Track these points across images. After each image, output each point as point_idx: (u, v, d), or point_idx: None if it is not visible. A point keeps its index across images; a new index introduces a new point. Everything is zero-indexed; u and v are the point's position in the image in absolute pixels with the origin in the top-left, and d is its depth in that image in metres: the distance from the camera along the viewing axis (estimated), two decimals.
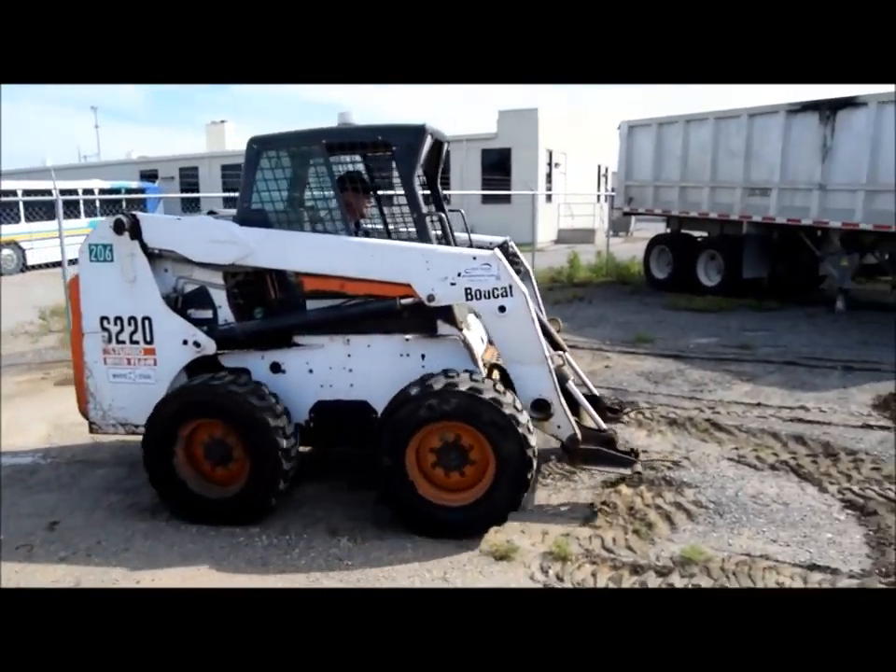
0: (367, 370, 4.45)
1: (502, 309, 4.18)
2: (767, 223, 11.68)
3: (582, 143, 27.62)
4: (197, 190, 29.35)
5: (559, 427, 4.38)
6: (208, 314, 4.60)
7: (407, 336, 4.38)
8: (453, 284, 4.18)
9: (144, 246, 4.47)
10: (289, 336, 4.51)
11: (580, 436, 4.40)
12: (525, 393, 4.29)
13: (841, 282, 11.21)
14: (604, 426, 4.65)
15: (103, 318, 4.57)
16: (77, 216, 23.56)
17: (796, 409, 6.46)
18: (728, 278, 12.47)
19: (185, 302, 4.60)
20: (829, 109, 10.40)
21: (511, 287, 4.16)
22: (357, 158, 5.19)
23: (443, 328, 4.35)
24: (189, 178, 30.25)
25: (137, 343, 4.55)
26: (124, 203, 25.00)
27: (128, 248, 4.45)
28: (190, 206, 29.36)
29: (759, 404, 6.62)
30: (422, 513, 4.17)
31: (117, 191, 25.70)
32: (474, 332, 4.67)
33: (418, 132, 4.35)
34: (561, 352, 5.01)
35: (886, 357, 8.25)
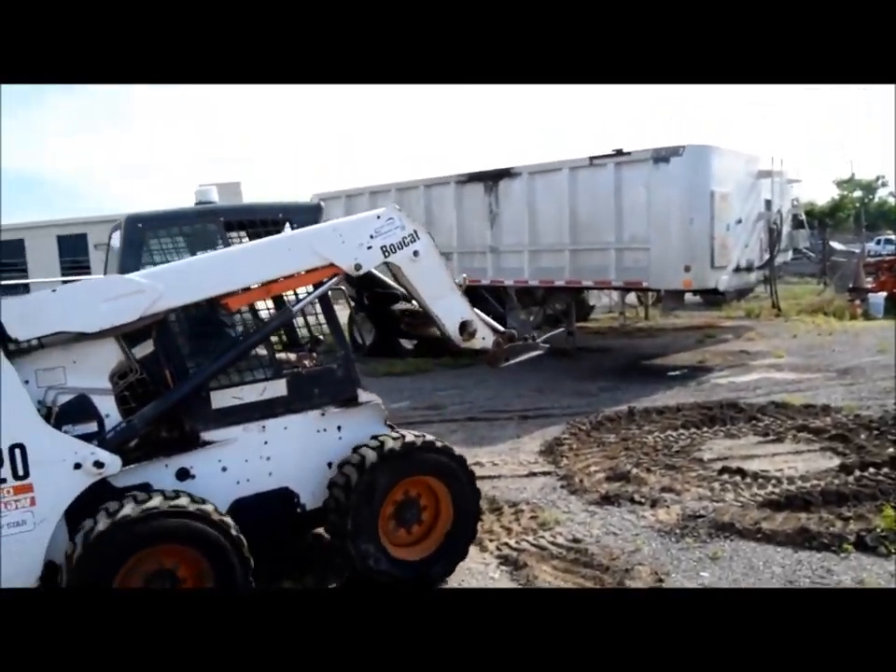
0: (285, 453, 4.26)
1: (416, 253, 4.44)
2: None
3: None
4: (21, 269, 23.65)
5: (483, 338, 4.81)
6: (91, 427, 3.72)
7: (322, 411, 4.35)
8: (370, 248, 4.33)
9: (5, 346, 3.46)
10: (196, 435, 3.99)
11: (500, 338, 4.89)
12: (450, 321, 4.64)
13: (521, 334, 12.08)
14: (500, 327, 5.00)
15: None
16: None
17: (471, 465, 6.57)
18: (423, 340, 12.90)
19: (58, 418, 3.64)
20: (490, 179, 11.32)
21: (416, 231, 4.45)
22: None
23: (363, 395, 4.48)
24: (8, 260, 24.24)
25: (4, 480, 3.39)
26: None
27: None
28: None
29: None
30: None
31: None
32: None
33: (316, 209, 4.75)
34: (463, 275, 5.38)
35: (556, 402, 8.91)
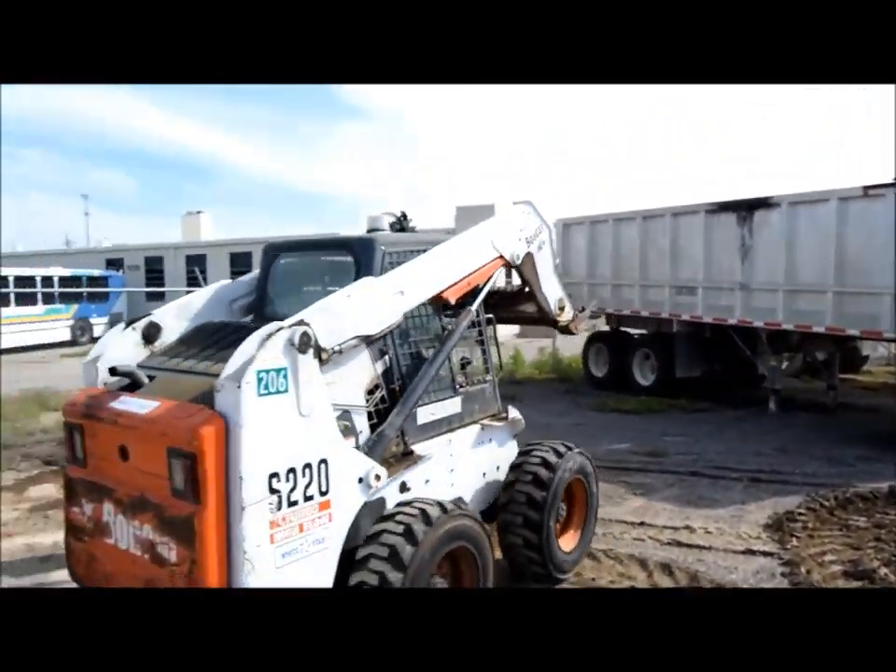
0: (462, 465, 4.57)
1: (542, 243, 5.18)
2: (696, 322, 11.41)
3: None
4: (162, 280, 29.36)
5: (571, 312, 5.75)
6: (351, 443, 3.71)
7: (481, 425, 4.76)
8: (519, 239, 4.90)
9: (319, 357, 3.38)
10: (410, 450, 4.18)
11: (577, 311, 5.83)
12: (553, 300, 5.49)
13: (772, 382, 10.86)
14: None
15: (272, 477, 3.11)
16: (34, 303, 23.49)
17: (680, 529, 5.94)
18: (662, 377, 12.09)
19: None
20: (744, 209, 10.29)
21: (543, 220, 5.19)
22: None
23: (512, 411, 5.00)
24: (154, 268, 30.26)
25: (312, 498, 3.29)
26: (85, 294, 24.99)
27: (309, 369, 3.29)
28: (154, 298, 29.34)
29: (642, 523, 6.10)
30: None
31: (78, 279, 25.67)
32: None
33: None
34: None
35: (800, 466, 7.77)
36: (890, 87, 9.51)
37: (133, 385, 3.73)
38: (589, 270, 13.69)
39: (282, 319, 3.37)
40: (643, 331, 13.32)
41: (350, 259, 4.22)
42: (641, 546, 5.61)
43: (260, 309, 4.66)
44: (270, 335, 3.14)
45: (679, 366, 11.93)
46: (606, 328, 14.52)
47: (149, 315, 4.26)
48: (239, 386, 2.97)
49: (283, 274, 4.71)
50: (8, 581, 5.03)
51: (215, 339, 3.95)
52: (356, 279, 3.93)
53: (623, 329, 13.79)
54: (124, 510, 3.35)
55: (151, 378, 3.80)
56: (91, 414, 3.56)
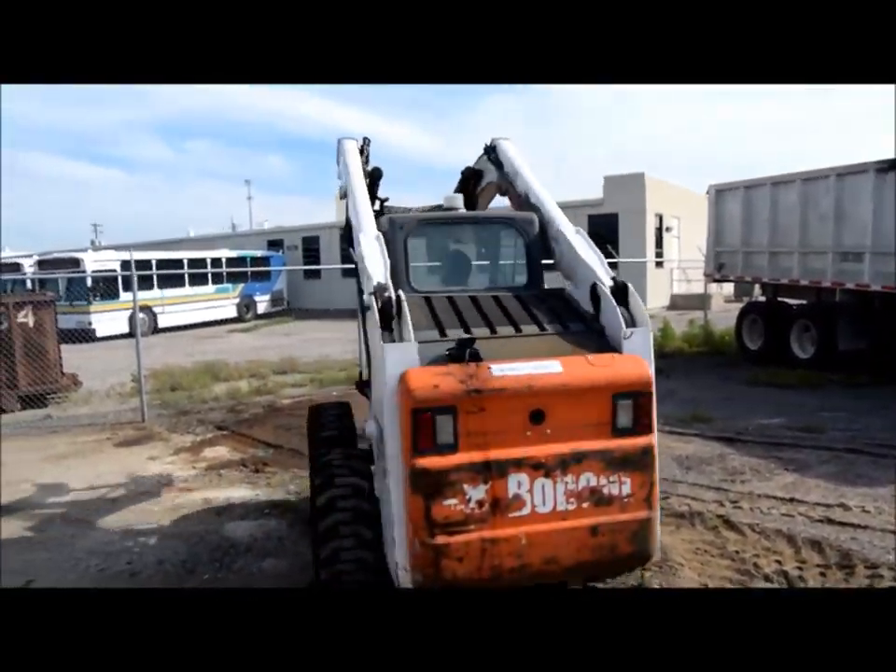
0: None
1: None
2: (862, 290, 10.61)
3: (698, 205, 26.68)
4: (318, 259, 30.97)
5: None
6: None
7: None
8: None
9: None
10: None
11: None
12: None
13: None
14: None
15: None
16: (205, 282, 25.64)
17: (834, 507, 5.68)
18: (822, 350, 11.37)
19: None
20: None
21: None
22: None
23: None
24: (311, 248, 31.97)
25: None
26: (249, 274, 26.91)
27: None
28: (312, 276, 31.05)
29: (792, 500, 5.88)
30: None
31: (243, 260, 27.69)
32: None
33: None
34: None
35: None
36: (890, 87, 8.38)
37: (457, 357, 3.39)
38: (744, 237, 13.05)
39: (435, 291, 3.93)
40: (802, 301, 12.55)
41: (514, 232, 4.54)
42: (790, 522, 5.42)
43: (401, 283, 4.21)
44: (630, 290, 3.78)
45: (843, 338, 11.16)
46: (761, 298, 13.82)
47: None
48: (650, 331, 3.69)
49: (432, 248, 4.78)
50: (195, 528, 5.70)
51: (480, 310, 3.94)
52: (525, 252, 4.44)
53: (779, 298, 13.06)
54: (547, 472, 3.31)
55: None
56: (481, 390, 3.25)
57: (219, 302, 26.20)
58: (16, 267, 24.20)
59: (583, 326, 3.88)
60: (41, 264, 23.07)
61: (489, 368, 3.29)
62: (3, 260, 28.12)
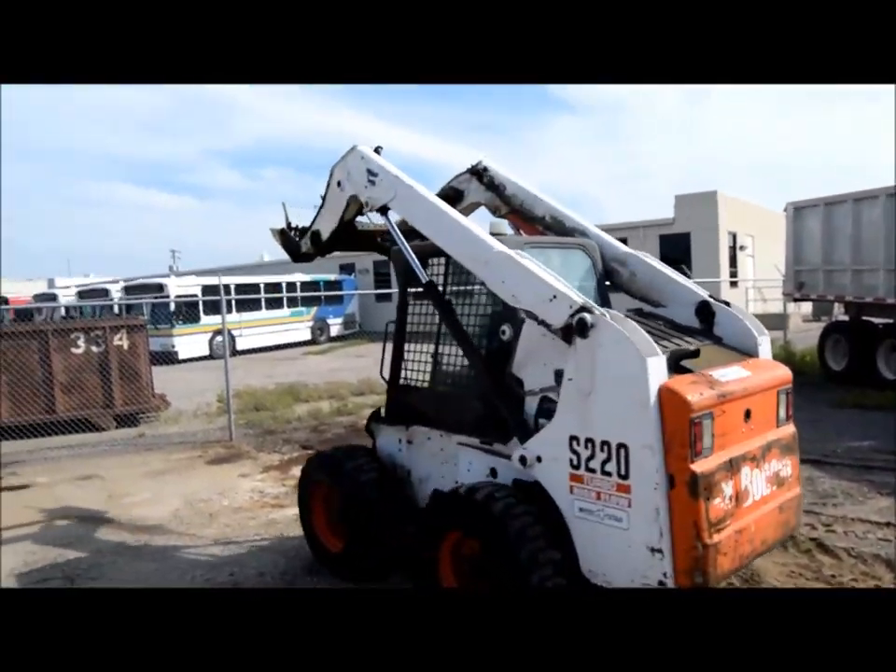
0: None
1: None
2: None
3: (772, 223, 26.10)
4: (389, 283, 31.49)
5: None
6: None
7: None
8: None
9: None
10: None
11: None
12: None
13: None
14: None
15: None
16: (280, 306, 26.41)
17: None
18: None
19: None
20: None
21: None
22: None
23: None
24: (381, 271, 32.55)
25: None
26: (322, 297, 27.59)
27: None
28: (383, 299, 31.58)
29: (888, 524, 5.73)
30: None
31: (316, 284, 28.39)
32: None
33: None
34: None
35: None
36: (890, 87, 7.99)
37: (683, 367, 3.73)
38: (825, 255, 12.73)
39: None
40: (888, 320, 12.15)
41: (585, 255, 4.82)
42: (887, 547, 5.29)
43: None
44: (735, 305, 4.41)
45: None
46: (843, 317, 13.43)
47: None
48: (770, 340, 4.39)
49: None
50: (290, 542, 5.93)
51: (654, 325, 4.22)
52: (594, 276, 4.73)
53: (864, 317, 12.67)
54: (757, 462, 3.83)
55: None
56: (725, 395, 3.58)
57: (294, 325, 26.92)
58: (104, 293, 25.49)
59: (704, 338, 4.25)
60: (127, 290, 24.25)
61: (712, 375, 3.67)
62: (91, 286, 29.69)
